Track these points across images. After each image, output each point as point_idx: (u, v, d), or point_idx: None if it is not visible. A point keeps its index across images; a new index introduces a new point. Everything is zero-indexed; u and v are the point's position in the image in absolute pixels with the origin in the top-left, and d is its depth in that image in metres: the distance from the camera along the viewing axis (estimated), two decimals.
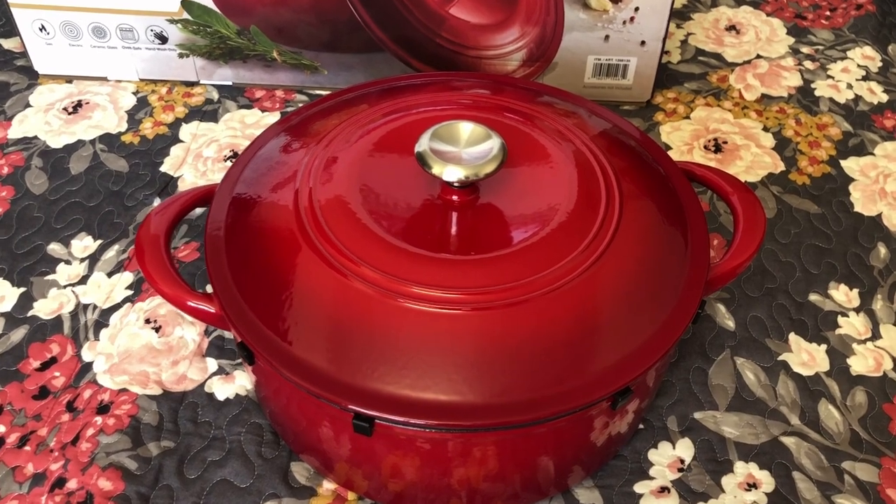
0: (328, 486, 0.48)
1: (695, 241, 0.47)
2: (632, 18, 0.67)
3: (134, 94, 0.73)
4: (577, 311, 0.41)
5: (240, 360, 0.54)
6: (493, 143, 0.45)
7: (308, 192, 0.46)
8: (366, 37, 0.70)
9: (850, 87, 0.75)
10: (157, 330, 0.55)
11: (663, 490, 0.48)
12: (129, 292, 0.57)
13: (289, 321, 0.42)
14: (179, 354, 0.54)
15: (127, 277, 0.58)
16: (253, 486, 0.48)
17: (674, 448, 0.50)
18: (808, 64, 0.77)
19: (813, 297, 0.58)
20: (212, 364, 0.53)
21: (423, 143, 0.44)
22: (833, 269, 0.60)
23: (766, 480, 0.49)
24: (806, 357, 0.55)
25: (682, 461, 0.50)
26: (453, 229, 0.45)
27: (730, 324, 0.57)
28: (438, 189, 0.46)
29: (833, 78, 0.76)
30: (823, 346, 0.55)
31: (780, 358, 0.55)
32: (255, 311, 0.42)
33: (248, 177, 0.49)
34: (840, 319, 0.57)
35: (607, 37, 0.69)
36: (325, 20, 0.69)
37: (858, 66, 0.77)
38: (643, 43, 0.69)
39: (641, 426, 0.51)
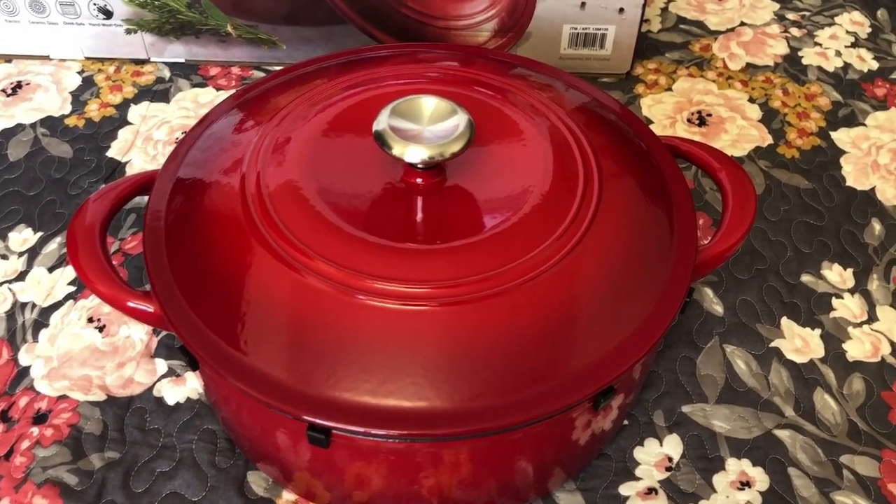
0: (288, 497, 0.44)
1: (681, 223, 0.43)
2: None
3: (79, 73, 0.68)
4: (555, 303, 0.38)
5: None
6: (460, 120, 0.40)
7: (256, 176, 0.41)
8: (326, 8, 0.65)
9: (838, 54, 0.71)
10: (100, 329, 0.50)
11: (650, 491, 0.45)
12: (72, 288, 0.53)
13: (235, 322, 0.37)
14: (126, 356, 0.49)
15: (69, 273, 0.54)
16: (206, 499, 0.44)
17: (661, 445, 0.47)
18: (795, 31, 0.74)
19: (805, 278, 0.55)
20: (161, 365, 0.49)
21: (382, 121, 0.40)
22: (825, 248, 0.57)
23: (760, 478, 0.45)
24: (799, 343, 0.51)
25: (671, 459, 0.46)
26: (418, 216, 0.40)
27: (718, 309, 0.53)
28: (400, 172, 0.42)
29: (821, 45, 0.72)
30: (817, 331, 0.52)
31: (773, 344, 0.51)
32: (198, 311, 0.38)
33: (192, 160, 0.45)
34: (834, 301, 0.54)
35: (583, 4, 0.64)
36: None
37: (847, 32, 0.73)
38: (621, 10, 0.65)
39: (626, 422, 0.48)
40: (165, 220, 0.42)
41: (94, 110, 0.65)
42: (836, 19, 0.75)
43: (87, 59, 0.69)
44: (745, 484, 0.45)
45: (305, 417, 0.35)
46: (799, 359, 0.51)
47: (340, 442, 0.36)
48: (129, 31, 0.67)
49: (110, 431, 0.46)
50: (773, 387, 0.49)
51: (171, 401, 0.48)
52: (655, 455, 0.46)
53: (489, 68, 0.49)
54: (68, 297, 0.52)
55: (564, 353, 0.37)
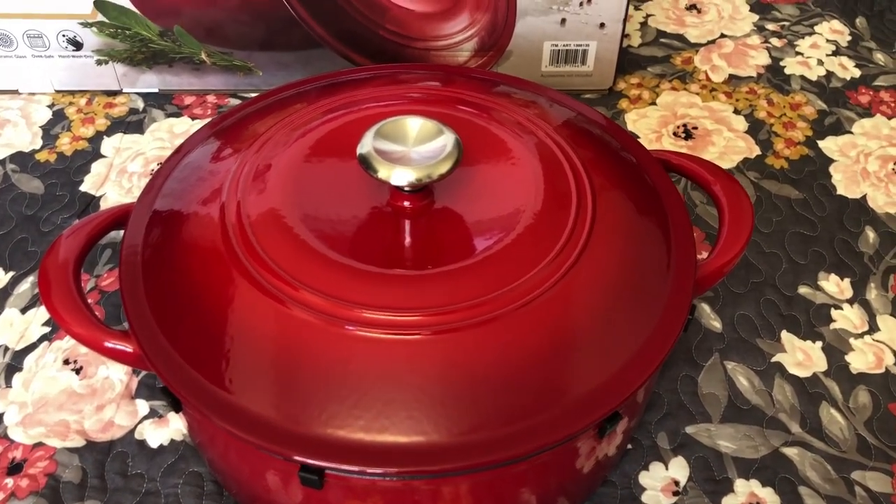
0: None
1: (678, 238, 0.41)
2: (589, 0, 0.62)
3: (49, 107, 0.66)
4: (553, 327, 0.36)
5: None
6: (447, 140, 0.39)
7: (236, 205, 0.40)
8: (303, 32, 0.64)
9: (820, 63, 0.71)
10: (77, 371, 0.48)
11: None
12: (46, 329, 0.51)
13: (218, 360, 0.35)
14: (105, 398, 0.47)
15: (43, 313, 0.51)
16: None
17: (666, 469, 0.45)
18: (775, 41, 0.73)
19: (803, 290, 0.54)
20: (142, 407, 0.47)
21: (367, 144, 0.39)
22: (821, 258, 0.56)
23: (771, 499, 0.44)
24: (801, 356, 0.50)
25: (677, 483, 0.44)
26: (406, 240, 0.39)
27: (716, 325, 0.52)
28: (387, 195, 0.40)
29: (802, 55, 0.72)
30: (819, 344, 0.51)
31: (774, 359, 0.50)
32: (180, 349, 0.36)
33: (169, 191, 0.43)
34: (834, 313, 0.53)
35: (564, 20, 0.63)
36: (256, 17, 0.63)
37: (827, 40, 0.73)
38: (602, 25, 0.64)
39: (630, 446, 0.46)
40: (142, 255, 0.40)
41: (65, 144, 0.63)
42: (816, 28, 0.74)
43: (58, 91, 0.68)
44: None
45: (297, 458, 0.33)
46: (802, 373, 0.49)
47: (334, 482, 0.34)
48: (99, 62, 0.65)
49: (90, 479, 0.44)
50: (777, 403, 0.48)
51: (153, 443, 0.45)
52: (661, 479, 0.45)
53: (472, 87, 0.48)
54: (43, 338, 0.50)
55: (566, 379, 0.35)
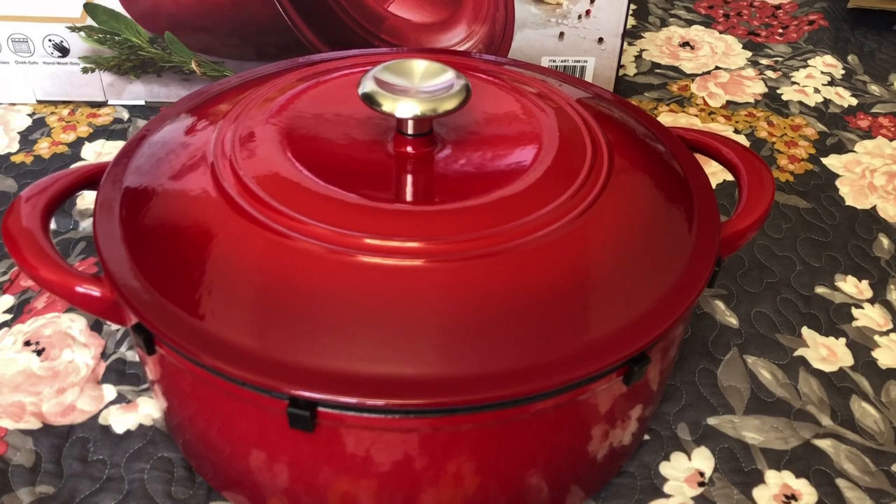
0: None
1: (698, 192, 0.39)
2: (588, 12, 0.62)
3: (30, 115, 0.64)
4: (571, 264, 0.33)
5: (146, 386, 0.43)
6: (454, 78, 0.37)
7: (227, 161, 0.37)
8: (296, 42, 0.62)
9: (817, 91, 0.71)
10: (39, 353, 0.43)
11: None
12: (8, 317, 0.46)
13: (200, 293, 0.32)
14: (67, 381, 0.42)
15: (6, 300, 0.47)
16: None
17: (689, 459, 0.41)
18: (770, 73, 0.73)
19: (820, 290, 0.51)
20: (109, 392, 0.42)
21: (369, 81, 0.36)
22: (836, 262, 0.53)
23: (807, 490, 0.40)
24: (825, 352, 0.47)
25: (702, 474, 0.40)
26: (410, 180, 0.36)
27: (732, 321, 0.48)
28: (390, 145, 0.37)
29: (798, 84, 0.71)
30: (842, 340, 0.48)
31: (797, 354, 0.47)
32: (157, 285, 0.32)
33: (143, 158, 0.40)
34: (855, 311, 0.50)
35: (562, 34, 0.63)
36: (250, 24, 0.62)
37: (822, 72, 0.73)
38: (601, 40, 0.63)
39: (647, 437, 0.42)
40: (121, 200, 0.37)
41: (43, 148, 0.60)
42: (809, 62, 0.75)
43: (40, 102, 0.65)
44: (790, 497, 0.39)
45: (287, 389, 0.29)
46: (827, 368, 0.46)
47: (328, 424, 0.30)
48: (85, 71, 0.64)
49: (44, 463, 0.39)
50: (804, 395, 0.44)
51: (119, 429, 0.41)
52: (684, 470, 0.40)
53: (478, 61, 0.46)
54: (3, 325, 0.46)
55: (588, 316, 0.32)
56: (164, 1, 0.60)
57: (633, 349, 0.31)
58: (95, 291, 0.34)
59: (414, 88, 0.36)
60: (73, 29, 0.61)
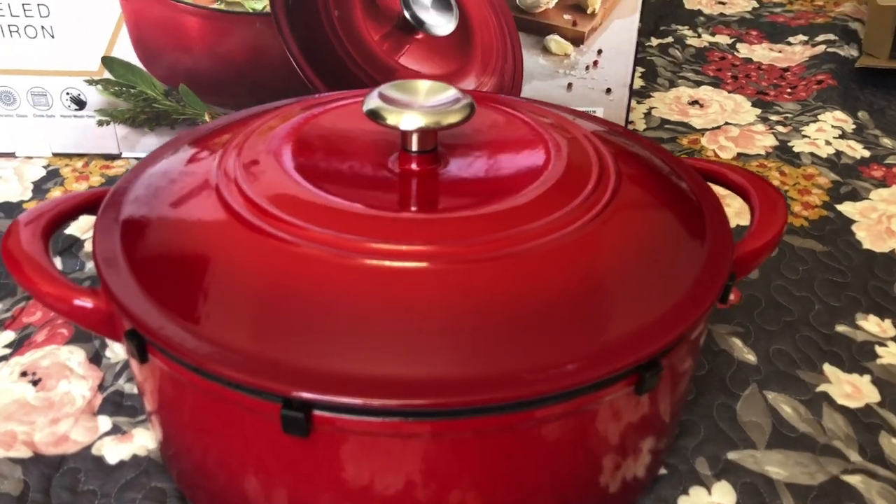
0: None
1: (709, 210, 0.38)
2: (595, 63, 0.63)
3: (44, 167, 0.64)
4: (584, 268, 0.32)
5: (142, 417, 0.41)
6: (458, 95, 0.37)
7: (232, 183, 0.36)
8: (309, 93, 0.63)
9: (828, 143, 0.70)
10: (34, 384, 0.42)
11: None
12: (7, 351, 0.45)
13: (195, 299, 0.31)
14: (62, 412, 0.41)
15: (7, 336, 0.46)
16: None
17: (710, 494, 0.39)
18: (780, 128, 0.73)
19: (841, 329, 0.49)
20: (104, 423, 0.41)
21: (374, 98, 0.36)
22: (856, 302, 0.52)
23: None
24: (849, 389, 0.45)
25: None
26: (415, 191, 0.35)
27: (750, 358, 0.47)
28: (395, 164, 0.37)
29: (809, 137, 0.71)
30: (867, 377, 0.46)
31: (819, 389, 0.45)
32: (152, 292, 0.32)
33: (142, 188, 0.40)
34: (879, 349, 0.48)
35: (570, 85, 0.63)
36: (264, 79, 0.63)
37: (833, 126, 0.73)
38: (609, 91, 0.64)
39: (664, 471, 0.40)
40: (122, 220, 0.36)
41: (56, 196, 0.61)
42: (820, 117, 0.75)
43: (56, 155, 0.66)
44: None
45: (279, 391, 0.28)
46: (853, 404, 0.44)
47: (324, 429, 0.29)
48: (101, 123, 0.65)
49: (32, 493, 0.37)
50: (829, 431, 0.42)
51: (112, 460, 0.39)
52: None
53: (486, 95, 0.46)
54: (2, 358, 0.45)
55: (598, 321, 0.30)
56: (182, 55, 0.62)
57: (643, 354, 0.30)
58: (91, 303, 0.33)
59: (418, 104, 0.36)
60: (90, 82, 0.63)
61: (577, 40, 0.61)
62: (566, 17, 0.61)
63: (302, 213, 0.33)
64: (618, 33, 0.61)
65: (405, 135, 0.36)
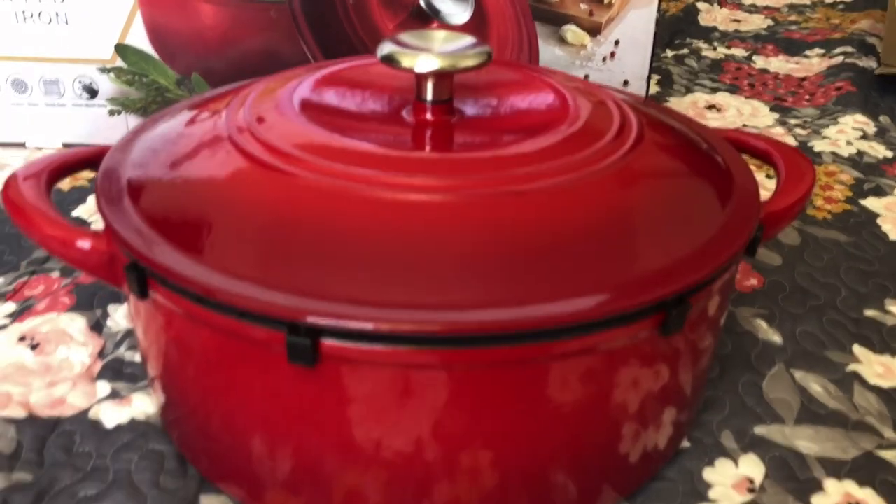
0: None
1: (733, 162, 0.37)
2: (612, 54, 0.62)
3: None
4: (608, 205, 0.31)
5: (143, 383, 0.40)
6: (475, 41, 0.36)
7: (244, 129, 0.35)
8: None
9: (850, 143, 0.69)
10: (33, 348, 0.41)
11: None
12: (8, 321, 0.44)
13: (199, 232, 0.30)
14: (60, 376, 0.40)
15: (8, 307, 0.45)
16: None
17: (737, 466, 0.36)
18: (800, 130, 0.72)
19: (870, 313, 0.47)
20: (103, 388, 0.39)
21: (389, 44, 0.35)
22: (884, 289, 0.50)
23: (874, 500, 0.35)
24: (881, 369, 0.43)
25: (752, 481, 0.36)
26: (430, 135, 0.34)
27: (776, 339, 0.45)
28: (409, 115, 0.36)
29: (830, 138, 0.70)
30: None
31: (850, 369, 0.43)
32: (155, 226, 0.30)
33: (152, 138, 0.39)
34: None
35: (587, 76, 0.63)
36: (277, 66, 0.62)
37: (853, 128, 0.72)
38: (626, 83, 0.63)
39: (688, 443, 0.38)
40: (127, 171, 0.35)
41: (64, 183, 0.60)
42: (840, 120, 0.73)
43: (66, 145, 0.65)
44: None
45: (284, 315, 0.26)
46: (886, 384, 0.42)
47: (330, 361, 0.27)
48: (112, 113, 0.64)
49: (25, 452, 0.36)
50: (861, 408, 0.40)
51: (109, 423, 0.37)
52: (731, 476, 0.36)
53: (504, 60, 0.45)
54: (2, 327, 0.43)
55: (622, 257, 0.29)
56: (193, 41, 0.61)
57: (669, 290, 0.28)
58: (90, 243, 0.32)
59: (434, 49, 0.35)
60: (103, 70, 0.62)
61: (594, 30, 0.61)
62: (583, 6, 0.60)
63: (316, 152, 0.32)
64: (635, 24, 0.60)
65: (420, 81, 0.35)
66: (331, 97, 0.38)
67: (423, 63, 0.34)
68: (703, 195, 0.33)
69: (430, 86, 0.35)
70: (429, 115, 0.36)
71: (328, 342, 0.26)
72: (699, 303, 0.30)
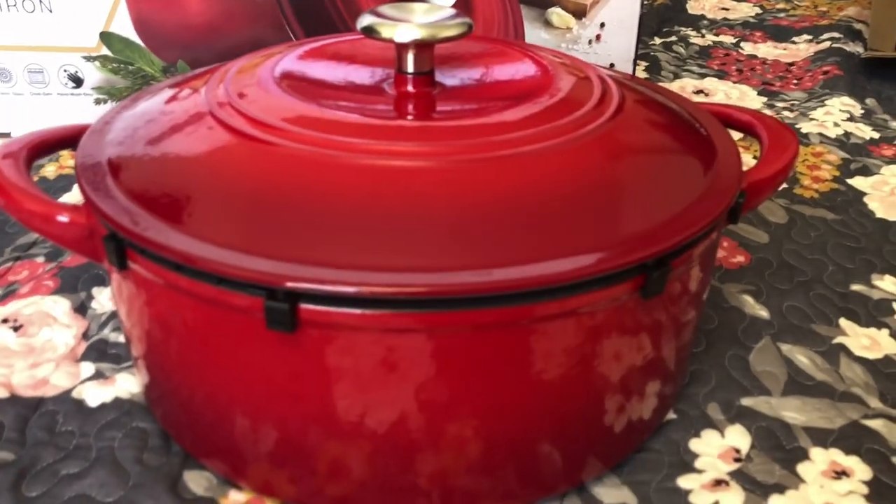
0: (237, 497, 0.33)
1: (714, 131, 0.37)
2: (598, 37, 0.62)
3: None
4: (588, 170, 0.30)
5: (127, 364, 0.39)
6: (455, 13, 0.36)
7: (225, 103, 0.35)
8: None
9: (837, 125, 0.69)
10: (16, 329, 0.41)
11: (719, 483, 0.34)
12: None
13: (178, 202, 0.29)
14: (43, 357, 0.39)
15: None
16: (125, 499, 0.32)
17: (723, 437, 0.36)
18: (787, 113, 0.72)
19: (856, 287, 0.47)
20: (87, 369, 0.39)
21: (368, 15, 0.35)
22: (870, 264, 0.50)
23: (859, 468, 0.35)
24: (867, 341, 0.43)
25: (738, 451, 0.36)
26: (412, 105, 0.34)
27: (763, 313, 0.45)
28: (390, 87, 0.36)
29: (817, 120, 0.70)
30: (885, 331, 0.44)
31: (836, 341, 0.43)
32: (133, 197, 0.30)
33: (131, 116, 0.38)
34: None
35: None
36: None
37: (840, 110, 0.72)
38: (612, 66, 0.63)
39: (674, 415, 0.37)
40: (106, 145, 0.35)
41: (50, 172, 0.60)
42: (827, 103, 0.73)
43: None
44: (840, 473, 0.34)
45: (262, 280, 0.26)
46: (871, 355, 0.42)
47: (310, 327, 0.27)
48: (98, 102, 0.64)
49: (7, 431, 0.35)
50: (847, 379, 0.40)
51: (93, 403, 0.37)
52: (718, 447, 0.36)
53: (488, 37, 0.45)
54: None
55: (603, 219, 0.29)
56: (179, 29, 0.61)
57: (650, 251, 0.28)
58: (69, 217, 0.32)
59: (415, 20, 0.35)
60: (88, 58, 0.62)
61: (579, 13, 0.61)
62: None
63: (296, 122, 0.32)
64: (620, 6, 0.60)
65: (400, 52, 0.35)
66: (312, 72, 0.37)
67: (403, 33, 0.34)
68: (684, 162, 0.33)
69: (410, 57, 0.35)
70: (410, 87, 0.35)
71: (306, 307, 0.26)
72: (680, 266, 0.30)
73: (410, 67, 0.35)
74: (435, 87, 0.36)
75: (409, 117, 0.33)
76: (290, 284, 0.26)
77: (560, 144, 0.31)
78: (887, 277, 0.48)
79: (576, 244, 0.27)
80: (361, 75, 0.37)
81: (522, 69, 0.38)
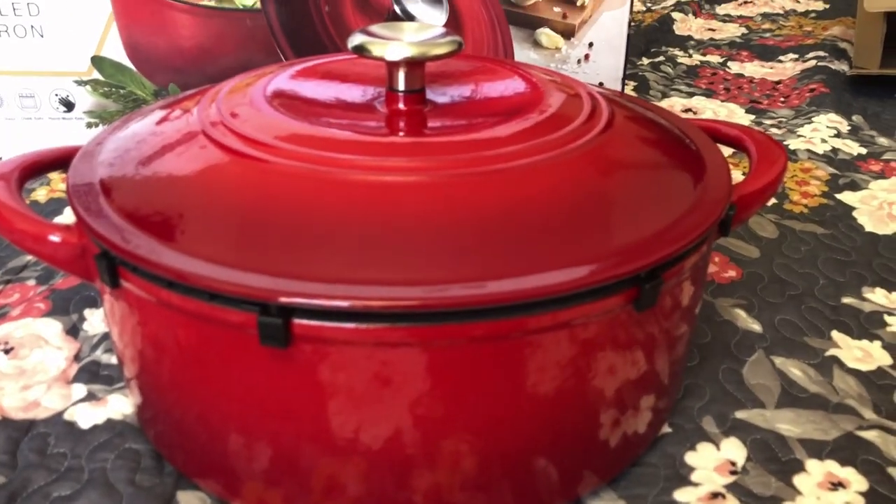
0: None
1: (704, 146, 0.37)
2: (587, 57, 0.62)
3: None
4: (579, 184, 0.31)
5: (119, 385, 0.39)
6: (445, 31, 0.36)
7: (215, 121, 0.35)
8: None
9: (824, 141, 0.70)
10: (7, 352, 0.40)
11: (716, 496, 0.34)
12: None
13: (170, 219, 0.29)
14: (34, 379, 0.39)
15: None
16: None
17: (718, 450, 0.36)
18: (775, 130, 0.73)
19: (847, 300, 0.48)
20: (78, 391, 0.39)
21: (359, 35, 0.35)
22: (861, 277, 0.50)
23: (855, 479, 0.35)
24: (860, 353, 0.43)
25: (734, 463, 0.36)
26: (403, 123, 0.34)
27: (755, 327, 0.45)
28: (381, 105, 0.36)
29: (805, 136, 0.71)
30: (877, 343, 0.44)
31: (829, 354, 0.43)
32: (125, 215, 0.30)
33: (123, 138, 0.39)
34: (888, 318, 0.46)
35: None
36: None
37: (827, 127, 0.73)
38: (601, 85, 0.63)
39: (669, 429, 0.37)
40: (98, 166, 0.35)
41: (41, 195, 0.60)
42: (814, 119, 0.74)
43: None
44: (837, 485, 0.34)
45: (255, 295, 0.26)
46: (864, 367, 0.42)
47: (303, 343, 0.27)
48: (90, 125, 0.64)
49: None
50: (840, 391, 0.40)
51: (85, 424, 0.37)
52: (714, 460, 0.36)
53: (478, 56, 0.46)
54: None
55: (595, 232, 0.29)
56: (170, 53, 0.61)
57: (642, 263, 0.28)
58: (61, 237, 0.32)
59: (405, 38, 0.35)
60: (79, 83, 0.62)
61: (568, 33, 0.61)
62: (556, 9, 0.61)
63: (288, 140, 0.32)
64: (608, 26, 0.61)
65: (391, 70, 0.35)
66: (303, 91, 0.38)
67: (394, 51, 0.34)
68: (674, 176, 0.33)
69: (401, 75, 0.35)
70: (401, 105, 0.36)
71: (300, 322, 0.26)
72: (672, 278, 0.30)
73: (402, 85, 0.35)
74: (426, 104, 0.36)
75: (401, 133, 0.33)
76: (283, 299, 0.26)
77: (551, 158, 0.31)
78: (878, 290, 0.49)
79: (568, 256, 0.27)
80: (353, 93, 0.37)
81: (512, 86, 0.38)
